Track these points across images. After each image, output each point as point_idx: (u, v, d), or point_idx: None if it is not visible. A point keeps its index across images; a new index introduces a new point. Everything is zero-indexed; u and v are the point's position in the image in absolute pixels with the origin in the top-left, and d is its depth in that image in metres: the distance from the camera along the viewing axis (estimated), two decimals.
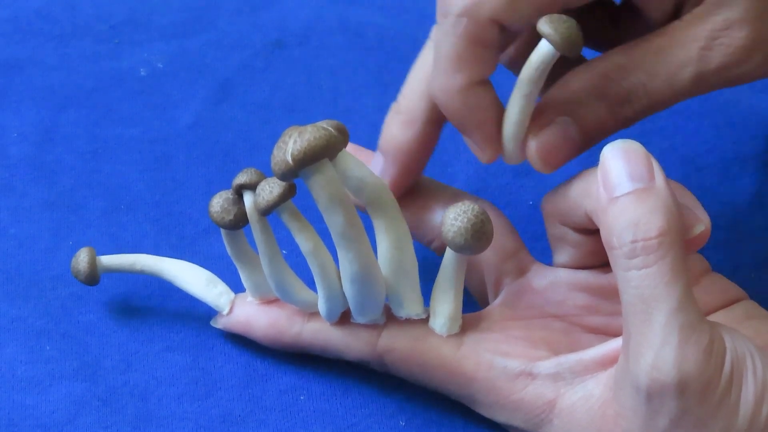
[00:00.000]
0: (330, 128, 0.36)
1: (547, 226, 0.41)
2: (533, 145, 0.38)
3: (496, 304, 0.42)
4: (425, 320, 0.40)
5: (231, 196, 0.40)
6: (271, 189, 0.38)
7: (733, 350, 0.35)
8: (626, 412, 0.35)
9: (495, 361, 0.39)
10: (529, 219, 0.49)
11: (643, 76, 0.38)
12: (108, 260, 0.43)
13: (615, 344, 0.37)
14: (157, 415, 0.42)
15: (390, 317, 0.41)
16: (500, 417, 0.39)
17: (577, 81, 0.38)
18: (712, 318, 0.39)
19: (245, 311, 0.43)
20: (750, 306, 0.40)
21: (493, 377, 0.39)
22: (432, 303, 0.40)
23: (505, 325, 0.40)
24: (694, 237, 0.36)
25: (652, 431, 0.35)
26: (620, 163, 0.35)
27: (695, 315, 0.34)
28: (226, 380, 0.43)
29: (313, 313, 0.41)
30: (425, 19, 0.56)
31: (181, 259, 0.46)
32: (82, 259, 0.43)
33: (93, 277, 0.43)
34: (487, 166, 0.51)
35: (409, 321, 0.40)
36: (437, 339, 0.40)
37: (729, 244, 0.48)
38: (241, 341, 0.44)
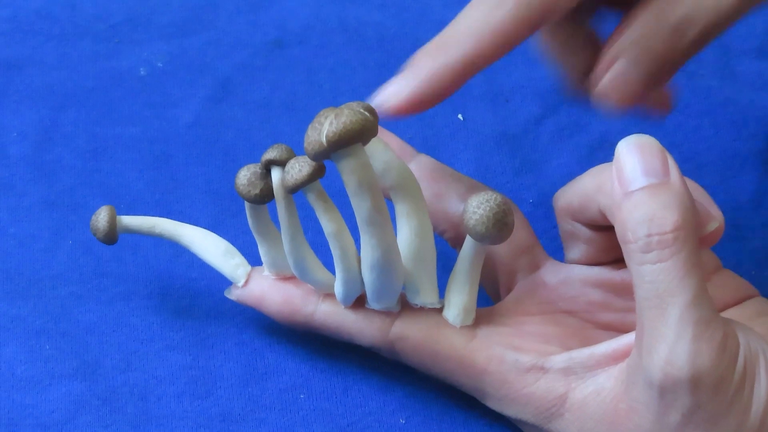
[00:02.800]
0: (365, 112, 0.36)
1: (559, 222, 0.41)
2: (603, 82, 0.38)
3: (509, 299, 0.42)
4: (439, 310, 0.40)
5: (259, 170, 0.39)
6: (300, 167, 0.37)
7: (746, 347, 0.35)
8: (638, 406, 0.35)
9: (507, 354, 0.39)
10: (530, 217, 0.48)
11: (690, 4, 0.37)
12: (129, 220, 0.42)
13: (626, 339, 0.37)
14: (157, 414, 0.42)
15: (404, 306, 0.40)
16: (510, 411, 0.39)
17: (632, 22, 0.38)
18: (723, 315, 0.38)
19: (260, 285, 0.42)
20: (761, 303, 0.41)
21: (504, 371, 0.39)
22: (447, 293, 0.40)
23: (518, 320, 0.40)
24: (707, 234, 0.36)
25: (664, 426, 0.35)
26: (635, 158, 0.35)
27: (709, 310, 0.34)
28: (226, 379, 0.43)
29: (328, 295, 0.41)
30: (425, 17, 0.57)
31: (181, 257, 0.46)
32: (102, 216, 0.41)
33: (112, 236, 0.41)
34: (488, 164, 0.51)
35: (423, 310, 0.40)
36: (450, 329, 0.40)
37: (730, 241, 0.48)
38: (240, 340, 0.44)
